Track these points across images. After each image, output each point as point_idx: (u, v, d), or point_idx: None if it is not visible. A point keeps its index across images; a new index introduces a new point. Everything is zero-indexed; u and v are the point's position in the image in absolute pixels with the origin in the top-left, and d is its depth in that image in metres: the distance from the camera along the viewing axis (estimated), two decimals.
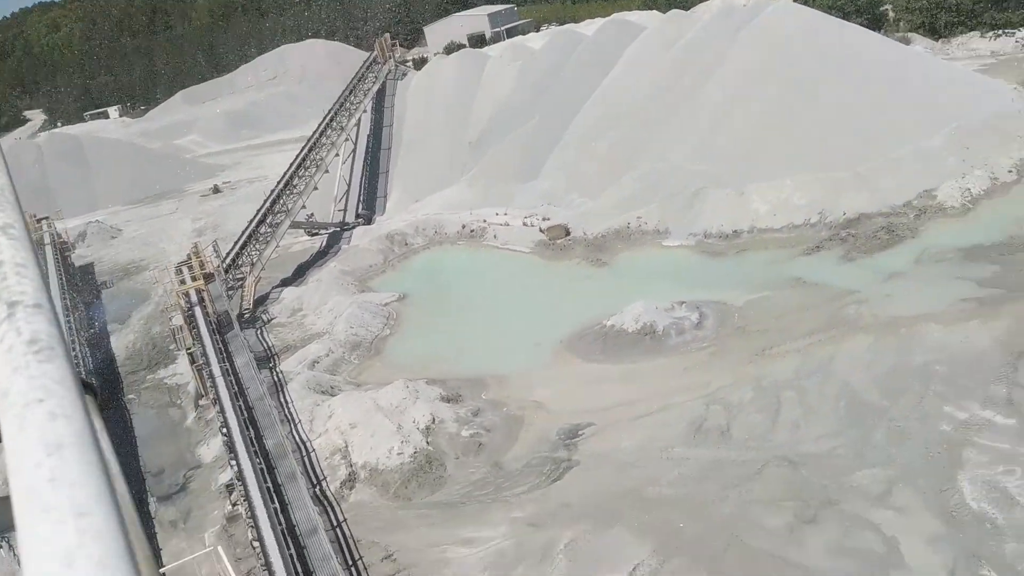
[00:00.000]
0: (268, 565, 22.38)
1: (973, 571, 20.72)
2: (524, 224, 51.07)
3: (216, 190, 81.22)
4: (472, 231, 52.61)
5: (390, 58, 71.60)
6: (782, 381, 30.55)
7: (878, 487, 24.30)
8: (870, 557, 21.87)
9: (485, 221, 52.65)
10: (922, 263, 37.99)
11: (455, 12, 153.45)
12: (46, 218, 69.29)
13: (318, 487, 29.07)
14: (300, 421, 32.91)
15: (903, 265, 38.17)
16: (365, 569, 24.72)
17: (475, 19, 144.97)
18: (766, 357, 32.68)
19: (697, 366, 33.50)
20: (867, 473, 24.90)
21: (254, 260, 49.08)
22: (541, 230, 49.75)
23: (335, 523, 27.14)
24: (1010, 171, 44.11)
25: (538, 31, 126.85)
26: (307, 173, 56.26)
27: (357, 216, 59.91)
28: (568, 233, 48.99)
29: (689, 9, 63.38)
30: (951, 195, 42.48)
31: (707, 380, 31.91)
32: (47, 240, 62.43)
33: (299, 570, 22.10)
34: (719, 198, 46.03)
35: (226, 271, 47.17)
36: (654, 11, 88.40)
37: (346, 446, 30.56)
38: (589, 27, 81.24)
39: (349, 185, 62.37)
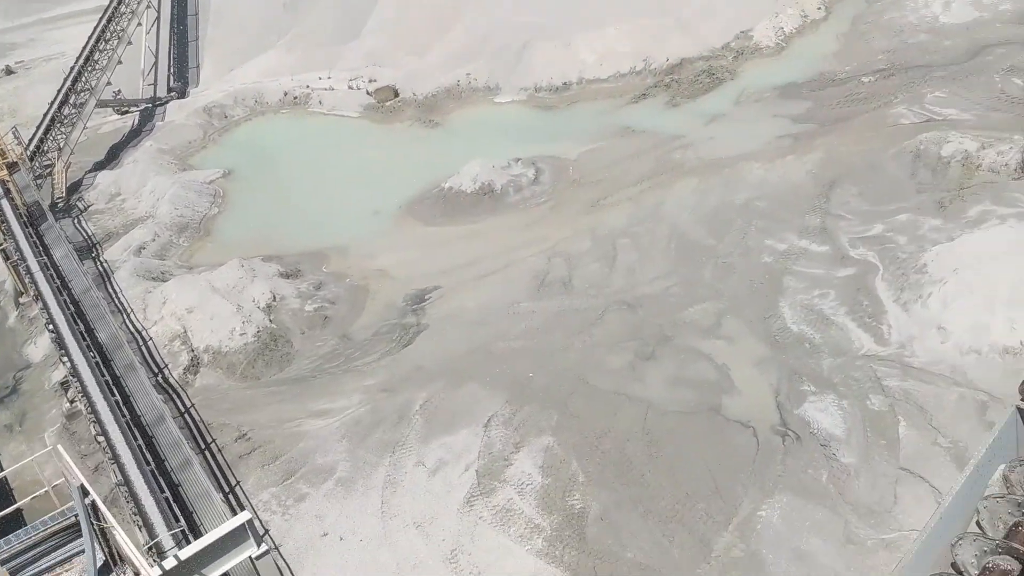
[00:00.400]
0: (116, 458, 21.75)
1: (795, 387, 22.60)
2: (350, 87, 49.35)
3: (8, 71, 73.97)
4: (295, 98, 50.45)
5: None
6: (617, 229, 31.54)
7: (709, 320, 25.83)
8: (704, 385, 23.45)
9: (308, 87, 50.52)
10: (741, 104, 39.44)
11: None
12: None
13: (160, 375, 28.23)
14: (133, 310, 31.53)
15: (724, 107, 39.51)
16: (219, 451, 24.49)
17: None
18: (601, 207, 33.54)
19: (537, 221, 34.06)
20: (698, 308, 26.38)
21: (61, 145, 45.50)
22: (368, 92, 48.26)
23: (182, 410, 26.56)
24: (819, 8, 45.81)
25: None
26: (109, 46, 51.92)
27: (169, 90, 56.20)
28: (397, 94, 47.75)
29: None
30: (766, 35, 43.86)
31: (547, 234, 32.55)
32: None
33: (149, 459, 21.62)
34: (547, 50, 45.77)
35: (31, 159, 43.58)
36: None
37: (185, 331, 29.61)
38: None
39: (157, 57, 58.14)
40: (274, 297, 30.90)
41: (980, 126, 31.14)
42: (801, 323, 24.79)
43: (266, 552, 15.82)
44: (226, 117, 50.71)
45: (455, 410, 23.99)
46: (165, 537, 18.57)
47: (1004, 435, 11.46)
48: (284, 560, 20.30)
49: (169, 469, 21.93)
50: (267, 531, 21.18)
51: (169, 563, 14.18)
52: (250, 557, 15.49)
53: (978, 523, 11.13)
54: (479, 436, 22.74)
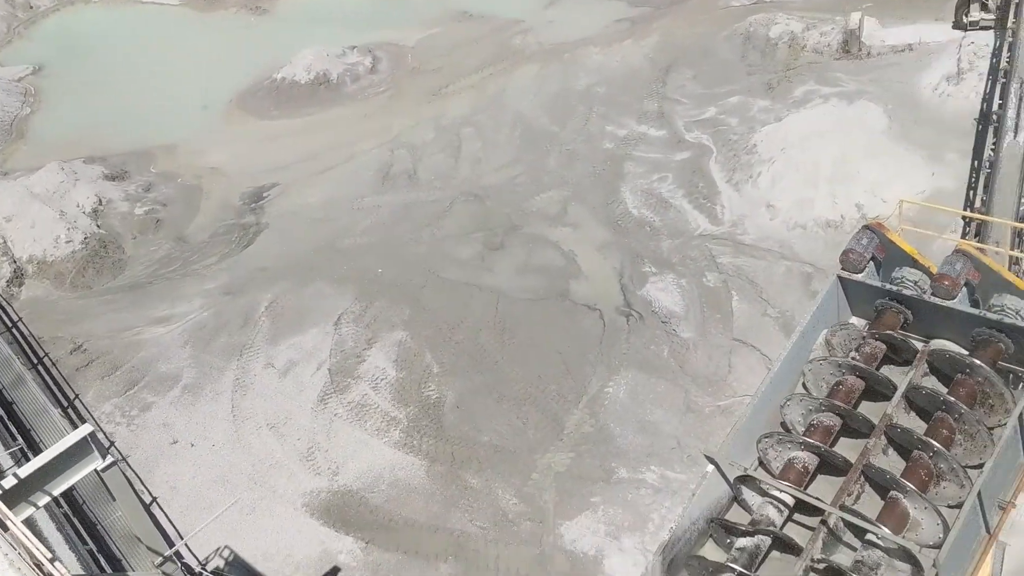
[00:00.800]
0: None
1: (637, 269, 23.41)
2: None
3: None
4: None
5: None
6: (460, 118, 31.19)
7: (555, 208, 26.20)
8: (552, 271, 23.94)
9: None
10: None
11: None
12: None
13: None
14: None
15: None
16: (54, 364, 23.27)
17: None
18: (442, 96, 32.99)
19: (377, 112, 33.22)
20: (544, 196, 26.67)
21: None
22: None
23: (9, 324, 24.94)
24: None
25: None
26: None
27: None
28: None
29: None
30: None
31: (388, 125, 31.85)
32: None
33: None
34: None
35: None
36: None
37: (4, 241, 27.57)
38: None
39: None
40: (100, 201, 29.16)
41: (805, 7, 32.17)
42: (642, 207, 25.50)
43: (112, 464, 15.32)
44: (31, 8, 46.24)
45: (303, 310, 23.61)
46: (3, 456, 17.68)
47: (826, 302, 12.24)
48: (133, 471, 19.76)
49: (1, 387, 20.76)
50: (112, 443, 20.50)
51: (9, 482, 13.56)
52: (95, 470, 15.00)
53: (804, 385, 11.96)
54: (329, 334, 22.53)
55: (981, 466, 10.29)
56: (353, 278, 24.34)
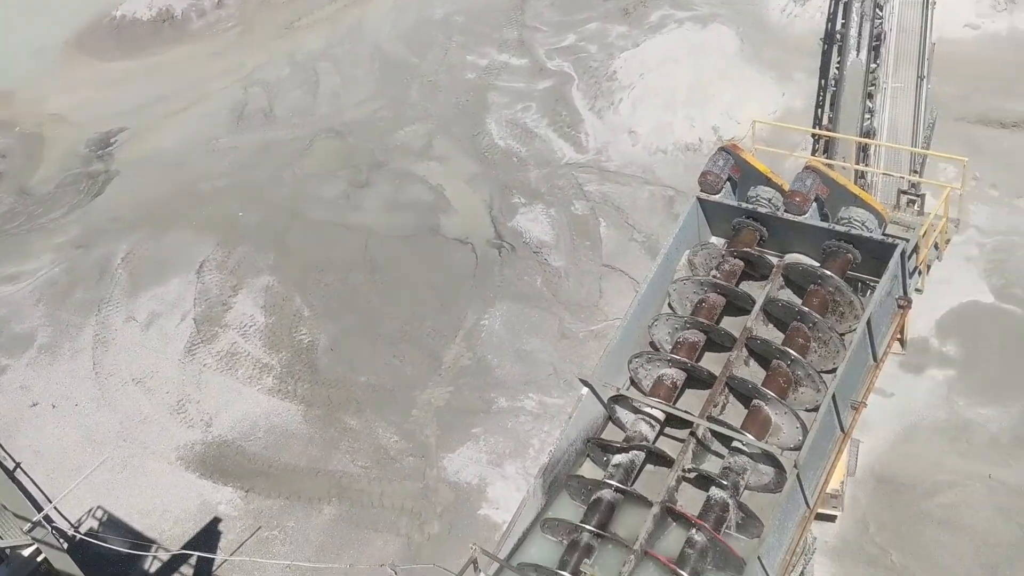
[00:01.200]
0: None
1: (506, 200, 23.46)
2: None
3: None
4: None
5: None
6: (316, 52, 30.20)
7: (420, 142, 25.84)
8: (421, 206, 23.72)
9: None
10: None
11: None
12: None
13: None
14: None
15: None
16: None
17: None
18: (296, 29, 31.83)
19: (227, 49, 31.78)
20: (408, 130, 26.25)
21: None
22: None
23: None
24: None
25: None
26: None
27: None
28: None
29: None
30: None
31: (241, 62, 30.56)
32: None
33: None
34: None
35: None
36: None
37: None
38: None
39: None
40: None
41: None
42: (508, 138, 25.45)
43: None
44: None
45: (162, 259, 22.72)
46: None
47: (687, 224, 12.57)
48: None
49: None
50: None
51: None
52: None
53: (669, 304, 12.33)
54: (192, 283, 21.80)
55: (834, 370, 10.91)
56: (213, 223, 23.51)
